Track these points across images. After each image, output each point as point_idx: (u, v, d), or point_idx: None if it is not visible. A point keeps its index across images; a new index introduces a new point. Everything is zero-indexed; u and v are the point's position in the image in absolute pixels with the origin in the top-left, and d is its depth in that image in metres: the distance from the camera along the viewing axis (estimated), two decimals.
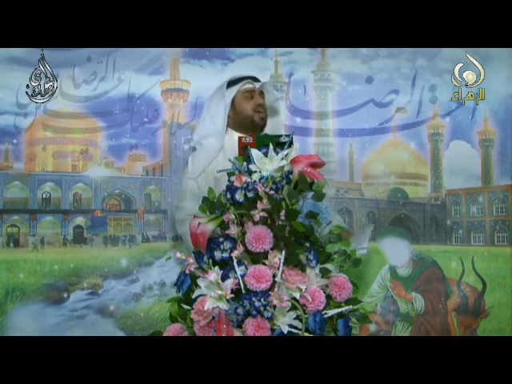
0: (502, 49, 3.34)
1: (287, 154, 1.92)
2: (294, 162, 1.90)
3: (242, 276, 1.76)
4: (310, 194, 1.87)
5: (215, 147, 2.57)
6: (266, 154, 1.90)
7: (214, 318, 1.75)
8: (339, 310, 1.83)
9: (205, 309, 1.74)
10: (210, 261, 1.82)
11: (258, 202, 1.83)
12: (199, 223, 1.84)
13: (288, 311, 1.75)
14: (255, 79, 2.68)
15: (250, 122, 2.59)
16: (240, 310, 1.73)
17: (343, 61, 3.49)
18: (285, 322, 1.74)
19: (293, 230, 1.80)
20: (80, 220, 3.48)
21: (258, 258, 1.80)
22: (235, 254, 1.80)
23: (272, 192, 1.83)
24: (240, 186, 1.86)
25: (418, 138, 3.52)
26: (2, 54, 3.33)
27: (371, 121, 3.47)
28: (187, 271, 1.88)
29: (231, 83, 2.65)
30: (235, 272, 1.77)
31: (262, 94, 2.66)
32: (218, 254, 1.81)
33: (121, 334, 3.30)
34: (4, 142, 3.43)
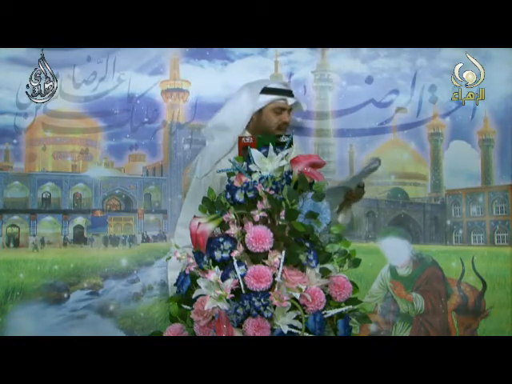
0: (502, 49, 3.34)
1: (287, 154, 1.92)
2: (293, 161, 1.91)
3: (242, 276, 1.76)
4: (310, 194, 1.87)
5: (226, 146, 2.55)
6: (265, 154, 1.90)
7: (214, 317, 1.75)
8: (339, 310, 1.83)
9: (205, 309, 1.74)
10: (210, 261, 1.82)
11: (258, 202, 1.83)
12: (199, 223, 1.84)
13: (288, 311, 1.75)
14: (291, 93, 2.66)
15: None
16: (240, 310, 1.73)
17: (343, 61, 3.49)
18: (285, 322, 1.75)
19: (293, 230, 1.80)
20: (80, 220, 3.48)
21: (258, 258, 1.80)
22: (235, 254, 1.80)
23: (272, 192, 1.83)
24: (240, 186, 1.87)
25: (418, 138, 3.52)
26: (2, 53, 3.33)
27: (371, 121, 3.47)
28: (187, 271, 1.88)
29: (267, 88, 2.61)
30: (235, 272, 1.77)
31: (290, 111, 2.66)
32: (218, 254, 1.81)
33: (121, 333, 3.30)
34: (4, 142, 3.43)
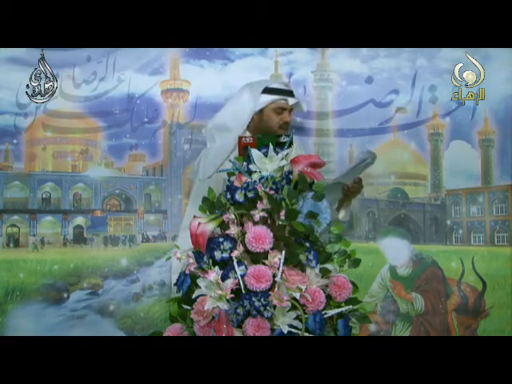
0: (502, 49, 3.34)
1: (287, 154, 1.93)
2: (293, 161, 1.91)
3: (242, 276, 1.76)
4: (310, 194, 1.87)
5: (227, 147, 2.54)
6: (265, 154, 1.90)
7: (214, 317, 1.75)
8: (339, 310, 1.84)
9: (205, 309, 1.74)
10: (210, 261, 1.82)
11: (258, 202, 1.83)
12: (199, 223, 1.84)
13: (288, 311, 1.75)
14: (291, 93, 2.66)
15: None
16: (240, 310, 1.73)
17: (343, 61, 3.49)
18: (285, 322, 1.75)
19: (293, 230, 1.80)
20: (80, 220, 3.48)
21: (258, 258, 1.80)
22: (235, 254, 1.80)
23: (272, 192, 1.83)
24: (240, 186, 1.87)
25: (418, 138, 3.52)
26: (2, 54, 3.33)
27: (371, 121, 3.47)
28: (187, 271, 1.88)
29: (268, 89, 2.60)
30: (235, 272, 1.77)
31: (291, 111, 2.65)
32: (218, 254, 1.81)
33: (121, 334, 3.30)
34: (4, 142, 3.43)
